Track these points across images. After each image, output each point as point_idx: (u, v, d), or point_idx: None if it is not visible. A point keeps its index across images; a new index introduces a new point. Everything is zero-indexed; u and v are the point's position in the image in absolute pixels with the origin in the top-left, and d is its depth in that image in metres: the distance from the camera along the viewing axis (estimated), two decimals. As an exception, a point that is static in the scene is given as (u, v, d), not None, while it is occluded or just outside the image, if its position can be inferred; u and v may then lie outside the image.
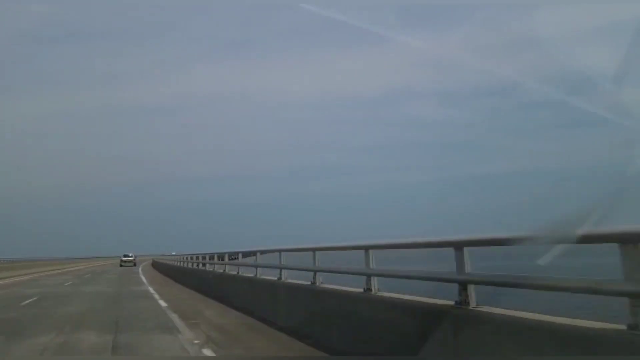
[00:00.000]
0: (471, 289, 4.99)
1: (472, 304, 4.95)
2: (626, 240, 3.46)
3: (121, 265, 62.47)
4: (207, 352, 7.84)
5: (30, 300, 17.02)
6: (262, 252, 13.48)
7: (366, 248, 7.12)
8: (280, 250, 11.51)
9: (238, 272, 15.44)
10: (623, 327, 3.53)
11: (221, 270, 18.33)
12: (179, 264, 32.99)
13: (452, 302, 5.21)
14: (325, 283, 8.96)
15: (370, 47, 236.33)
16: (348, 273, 7.86)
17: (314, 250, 9.35)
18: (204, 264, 24.03)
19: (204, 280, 20.68)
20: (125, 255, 68.77)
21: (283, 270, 11.11)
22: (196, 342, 8.58)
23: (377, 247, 7.04)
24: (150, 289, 21.73)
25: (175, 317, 11.73)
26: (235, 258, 17.68)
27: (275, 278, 11.32)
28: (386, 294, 6.75)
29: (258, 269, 13.21)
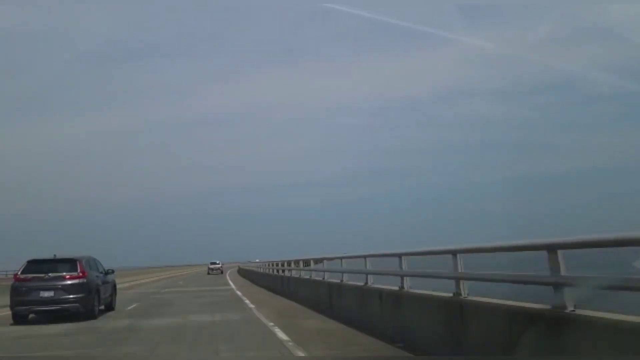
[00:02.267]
0: (567, 291, 4.92)
1: (569, 307, 4.87)
2: None
3: (208, 274, 61.52)
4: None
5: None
6: (348, 257, 13.70)
7: (454, 252, 7.14)
8: (365, 256, 11.66)
9: (324, 278, 15.76)
10: None
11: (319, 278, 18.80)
12: (262, 270, 34.41)
13: (548, 306, 5.16)
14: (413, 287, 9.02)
15: (424, 47, 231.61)
16: (437, 277, 7.89)
17: (399, 255, 9.43)
18: (282, 270, 25.02)
19: (289, 285, 21.29)
20: (212, 263, 67.80)
21: (369, 276, 11.26)
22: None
23: (465, 252, 7.04)
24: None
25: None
26: (320, 263, 18.27)
27: (362, 283, 11.48)
28: (477, 298, 6.72)
29: (344, 274, 13.44)
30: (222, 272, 62.12)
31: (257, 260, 55.32)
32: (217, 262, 68.31)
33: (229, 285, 33.46)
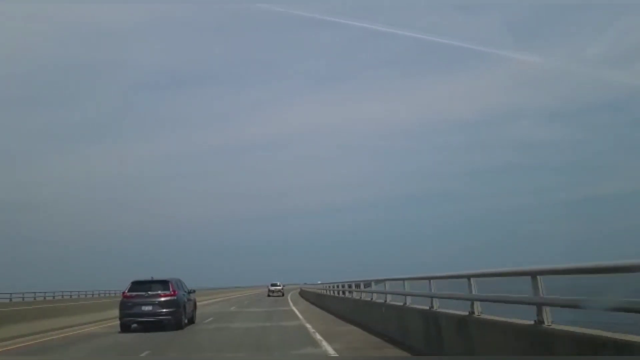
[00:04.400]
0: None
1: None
2: None
3: (269, 295, 59.03)
4: None
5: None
6: (411, 279, 12.89)
7: (533, 274, 6.28)
8: (430, 278, 10.83)
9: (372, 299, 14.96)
10: None
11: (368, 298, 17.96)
12: (325, 292, 33.62)
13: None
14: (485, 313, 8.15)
15: (470, 68, 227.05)
16: (514, 302, 6.99)
17: (468, 277, 8.59)
18: (343, 292, 24.23)
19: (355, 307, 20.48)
20: (272, 285, 64.63)
21: (434, 300, 10.41)
22: None
23: (547, 273, 6.16)
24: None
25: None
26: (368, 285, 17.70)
27: (427, 307, 10.64)
28: (562, 327, 5.83)
29: (407, 297, 12.62)
30: (282, 295, 59.87)
31: (318, 282, 54.39)
32: (278, 283, 65.56)
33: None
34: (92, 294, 55.74)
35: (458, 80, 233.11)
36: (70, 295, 52.07)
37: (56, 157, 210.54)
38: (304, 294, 54.73)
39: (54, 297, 49.11)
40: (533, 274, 6.29)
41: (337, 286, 28.58)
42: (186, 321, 19.00)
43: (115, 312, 19.08)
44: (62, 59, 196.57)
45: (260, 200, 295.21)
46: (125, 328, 17.75)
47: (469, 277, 8.54)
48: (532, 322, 6.26)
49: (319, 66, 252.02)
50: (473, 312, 8.24)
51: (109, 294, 56.76)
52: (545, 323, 6.03)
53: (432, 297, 10.49)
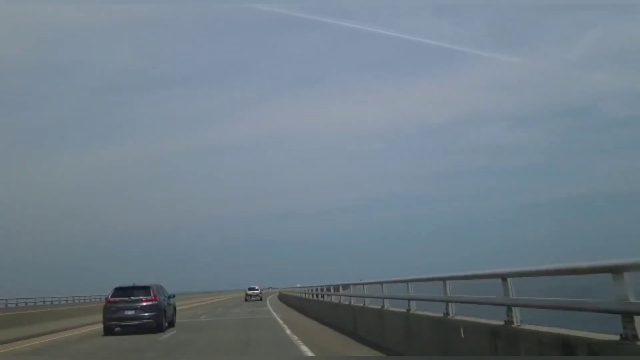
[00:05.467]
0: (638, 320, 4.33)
1: (643, 338, 4.27)
2: None
3: (246, 300, 56.78)
4: None
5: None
6: (387, 282, 13.14)
7: (504, 276, 6.57)
8: (407, 281, 11.10)
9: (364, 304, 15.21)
10: None
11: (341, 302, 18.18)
12: (304, 295, 33.74)
13: (614, 336, 4.57)
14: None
15: (439, 74, 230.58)
16: (486, 304, 7.29)
17: (444, 279, 8.88)
18: (322, 295, 24.42)
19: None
20: (250, 288, 61.43)
21: (411, 302, 10.69)
22: None
23: (516, 275, 6.45)
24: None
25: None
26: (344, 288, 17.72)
27: (405, 310, 10.91)
28: (531, 327, 6.12)
29: (385, 300, 12.88)
30: (261, 299, 57.84)
31: (298, 286, 54.16)
32: (256, 287, 62.56)
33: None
34: (59, 301, 55.57)
35: (426, 85, 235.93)
36: (40, 302, 52.35)
37: (14, 160, 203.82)
38: (284, 298, 54.37)
39: (26, 303, 49.09)
40: (503, 277, 6.59)
41: (321, 289, 28.56)
42: (167, 324, 19.98)
43: (93, 318, 20.67)
44: (22, 58, 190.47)
45: (238, 204, 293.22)
46: (108, 331, 18.76)
47: (444, 279, 8.83)
48: (502, 323, 6.55)
49: (292, 68, 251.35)
50: (448, 314, 8.52)
51: (80, 300, 57.18)
52: (515, 323, 6.33)
53: (409, 299, 10.77)
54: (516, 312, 6.37)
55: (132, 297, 19.11)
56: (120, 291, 19.51)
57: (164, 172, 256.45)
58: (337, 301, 20.64)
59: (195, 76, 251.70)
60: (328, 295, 25.16)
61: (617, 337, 4.53)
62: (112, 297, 19.38)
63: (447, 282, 8.76)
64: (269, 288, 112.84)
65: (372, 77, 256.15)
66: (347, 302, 17.92)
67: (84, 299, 58.96)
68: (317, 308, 25.55)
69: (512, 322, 6.37)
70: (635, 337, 4.31)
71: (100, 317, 19.92)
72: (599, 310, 4.91)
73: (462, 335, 7.77)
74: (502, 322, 6.58)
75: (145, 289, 19.48)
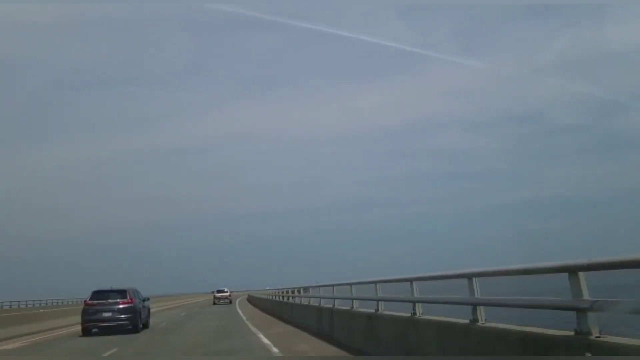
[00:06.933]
0: (592, 317, 4.66)
1: (595, 333, 4.60)
2: None
3: (214, 303, 52.74)
4: None
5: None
6: (357, 283, 13.38)
7: (469, 276, 6.88)
8: (376, 282, 11.37)
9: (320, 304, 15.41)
10: None
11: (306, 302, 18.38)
12: (273, 297, 33.84)
13: (570, 332, 4.89)
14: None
15: (394, 79, 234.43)
16: (451, 303, 7.61)
17: (411, 280, 9.16)
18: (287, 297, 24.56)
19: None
20: (219, 291, 57.07)
21: (380, 303, 10.95)
22: None
23: (481, 275, 6.78)
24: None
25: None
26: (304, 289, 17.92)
27: (373, 310, 11.17)
28: (494, 325, 6.44)
29: (354, 301, 13.12)
30: (230, 302, 54.32)
31: (267, 288, 53.85)
32: (225, 289, 58.05)
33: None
34: (34, 304, 54.97)
35: (381, 89, 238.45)
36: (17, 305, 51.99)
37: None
38: (253, 301, 53.77)
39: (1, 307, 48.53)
40: (469, 276, 6.90)
41: (286, 292, 28.81)
42: (141, 326, 20.97)
43: (62, 321, 22.04)
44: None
45: (195, 206, 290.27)
46: (86, 332, 19.74)
47: (411, 280, 9.11)
48: (467, 321, 6.85)
49: (250, 69, 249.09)
50: (415, 313, 8.80)
51: (42, 303, 56.44)
52: (480, 321, 6.64)
53: (378, 300, 11.03)
54: (481, 311, 6.68)
55: (110, 300, 20.10)
56: (98, 294, 20.58)
57: (115, 173, 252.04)
58: (306, 302, 20.86)
59: (145, 76, 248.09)
60: (292, 297, 25.49)
61: (572, 333, 4.85)
62: (90, 299, 20.38)
63: (414, 283, 9.05)
64: (241, 291, 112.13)
65: (331, 79, 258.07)
66: (316, 304, 18.11)
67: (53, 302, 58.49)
68: (282, 308, 25.80)
69: (477, 321, 6.67)
70: (588, 332, 4.64)
71: (78, 318, 20.85)
72: (555, 308, 5.25)
73: (429, 335, 8.06)
74: (467, 321, 6.87)
75: (121, 292, 20.57)
